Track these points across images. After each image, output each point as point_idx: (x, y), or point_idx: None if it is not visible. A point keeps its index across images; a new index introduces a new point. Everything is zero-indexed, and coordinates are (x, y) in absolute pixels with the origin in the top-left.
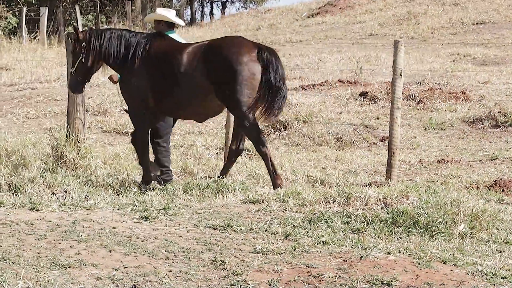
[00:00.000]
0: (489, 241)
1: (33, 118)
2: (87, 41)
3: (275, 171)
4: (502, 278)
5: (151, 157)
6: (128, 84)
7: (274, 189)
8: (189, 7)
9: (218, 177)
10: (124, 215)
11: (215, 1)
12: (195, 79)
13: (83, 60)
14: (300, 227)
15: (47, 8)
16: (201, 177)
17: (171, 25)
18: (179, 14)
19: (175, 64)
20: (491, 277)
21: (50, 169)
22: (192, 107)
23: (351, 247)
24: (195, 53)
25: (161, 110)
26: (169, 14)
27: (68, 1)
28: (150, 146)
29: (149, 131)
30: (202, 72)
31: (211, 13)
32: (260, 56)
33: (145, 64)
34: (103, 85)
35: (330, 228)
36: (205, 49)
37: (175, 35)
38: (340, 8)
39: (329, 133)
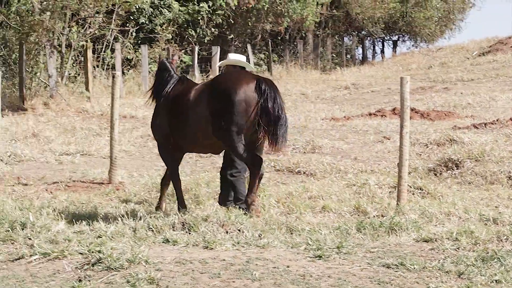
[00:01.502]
0: None
1: (206, 157)
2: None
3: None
4: None
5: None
6: (154, 121)
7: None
8: (361, 45)
9: (242, 203)
10: (297, 253)
11: (386, 40)
12: (201, 112)
13: None
14: (473, 266)
15: (219, 47)
16: (374, 216)
17: (243, 70)
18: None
19: (185, 100)
20: None
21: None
22: (202, 140)
23: None
24: (202, 89)
25: (178, 145)
26: (241, 59)
27: (239, 40)
28: (228, 177)
29: (223, 164)
30: (205, 105)
31: (382, 51)
32: (258, 87)
33: (165, 102)
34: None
35: (503, 267)
36: (210, 83)
37: None
38: (511, 47)
39: (502, 172)
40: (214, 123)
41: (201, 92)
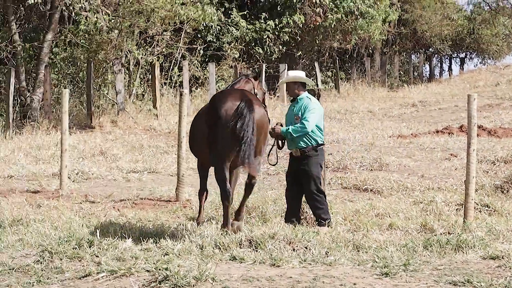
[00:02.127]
0: None
1: (273, 174)
2: None
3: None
4: None
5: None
6: None
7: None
8: (428, 63)
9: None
10: (364, 271)
11: (454, 57)
12: (204, 129)
13: None
14: None
15: (286, 64)
16: (441, 233)
17: (304, 85)
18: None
19: (202, 117)
20: None
21: (289, 225)
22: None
23: None
24: (206, 105)
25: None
26: (300, 75)
27: (307, 57)
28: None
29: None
30: (203, 119)
31: (450, 69)
32: (238, 106)
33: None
34: (343, 141)
35: None
36: (210, 100)
37: (304, 94)
38: None
39: None
40: (207, 136)
41: (205, 107)
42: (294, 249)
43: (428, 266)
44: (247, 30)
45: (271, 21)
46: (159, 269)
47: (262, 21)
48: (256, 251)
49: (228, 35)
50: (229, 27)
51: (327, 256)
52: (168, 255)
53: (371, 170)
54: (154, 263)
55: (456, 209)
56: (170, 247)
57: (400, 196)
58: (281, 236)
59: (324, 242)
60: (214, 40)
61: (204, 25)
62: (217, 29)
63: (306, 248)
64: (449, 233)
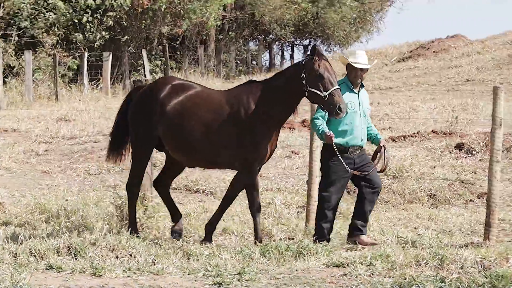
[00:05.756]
0: None
1: (95, 174)
2: None
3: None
4: None
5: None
6: None
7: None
8: (268, 51)
9: None
10: (195, 280)
11: (296, 45)
12: None
13: None
14: None
15: (111, 52)
16: (281, 239)
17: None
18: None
19: None
20: None
21: (114, 230)
22: None
23: None
24: None
25: None
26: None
27: (134, 45)
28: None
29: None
30: None
31: (292, 57)
32: None
33: None
34: None
35: None
36: None
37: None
38: (434, 51)
39: (422, 189)
40: None
41: None
42: (117, 257)
43: (266, 274)
44: (65, 12)
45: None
46: None
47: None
48: (76, 259)
49: (43, 19)
50: (44, 11)
51: (154, 264)
52: None
53: (204, 169)
54: None
55: (297, 212)
56: None
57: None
58: (103, 243)
59: (151, 249)
60: (28, 26)
61: (18, 9)
62: (30, 13)
63: (131, 255)
64: (289, 238)
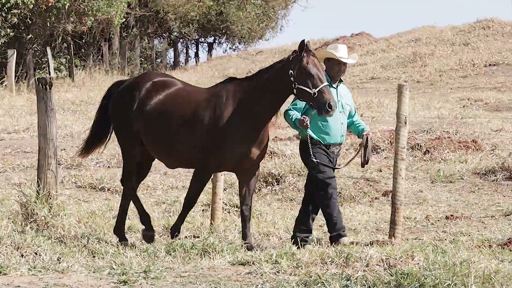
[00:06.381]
0: None
1: (0, 172)
2: None
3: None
4: None
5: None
6: None
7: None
8: (172, 49)
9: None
10: (100, 279)
11: (201, 42)
12: None
13: None
14: None
15: (15, 50)
16: (186, 237)
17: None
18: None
19: None
20: None
21: (19, 229)
22: None
23: None
24: None
25: None
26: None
27: (38, 42)
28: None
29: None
30: None
31: (196, 55)
32: None
33: None
34: (78, 136)
35: None
36: None
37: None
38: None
39: None
40: None
41: None
42: (22, 255)
43: (171, 272)
44: None
45: None
46: None
47: None
48: None
49: None
50: None
51: (59, 263)
52: None
53: (109, 167)
54: None
55: (203, 210)
56: None
57: (141, 196)
58: (8, 241)
59: (57, 247)
60: None
61: None
62: None
63: (36, 253)
64: (194, 236)
